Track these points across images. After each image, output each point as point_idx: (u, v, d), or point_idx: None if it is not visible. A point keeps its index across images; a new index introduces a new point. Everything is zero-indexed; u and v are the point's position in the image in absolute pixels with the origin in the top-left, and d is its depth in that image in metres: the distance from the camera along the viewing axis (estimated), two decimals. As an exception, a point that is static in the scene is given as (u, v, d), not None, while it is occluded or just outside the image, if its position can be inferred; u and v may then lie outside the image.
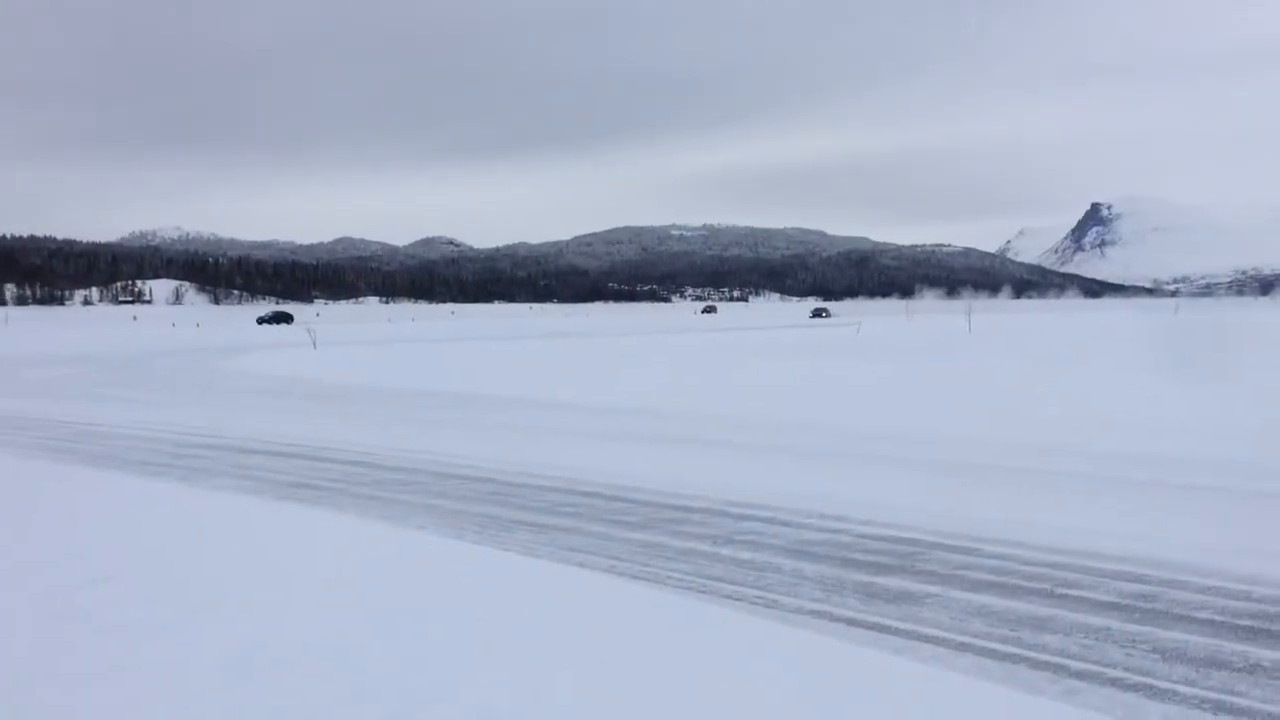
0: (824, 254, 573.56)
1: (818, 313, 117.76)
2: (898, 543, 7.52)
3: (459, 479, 10.50)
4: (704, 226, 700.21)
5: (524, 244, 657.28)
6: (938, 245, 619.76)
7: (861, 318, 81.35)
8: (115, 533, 7.65)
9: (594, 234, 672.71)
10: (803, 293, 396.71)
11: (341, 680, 4.52)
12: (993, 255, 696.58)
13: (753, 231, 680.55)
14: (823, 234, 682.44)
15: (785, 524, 8.16)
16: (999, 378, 23.02)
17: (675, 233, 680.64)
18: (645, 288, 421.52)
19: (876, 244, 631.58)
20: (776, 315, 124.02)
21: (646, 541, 7.63)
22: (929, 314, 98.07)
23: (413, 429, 15.00)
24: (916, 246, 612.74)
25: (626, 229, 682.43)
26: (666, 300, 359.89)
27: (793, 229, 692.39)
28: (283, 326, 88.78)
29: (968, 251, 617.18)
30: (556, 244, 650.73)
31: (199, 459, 12.20)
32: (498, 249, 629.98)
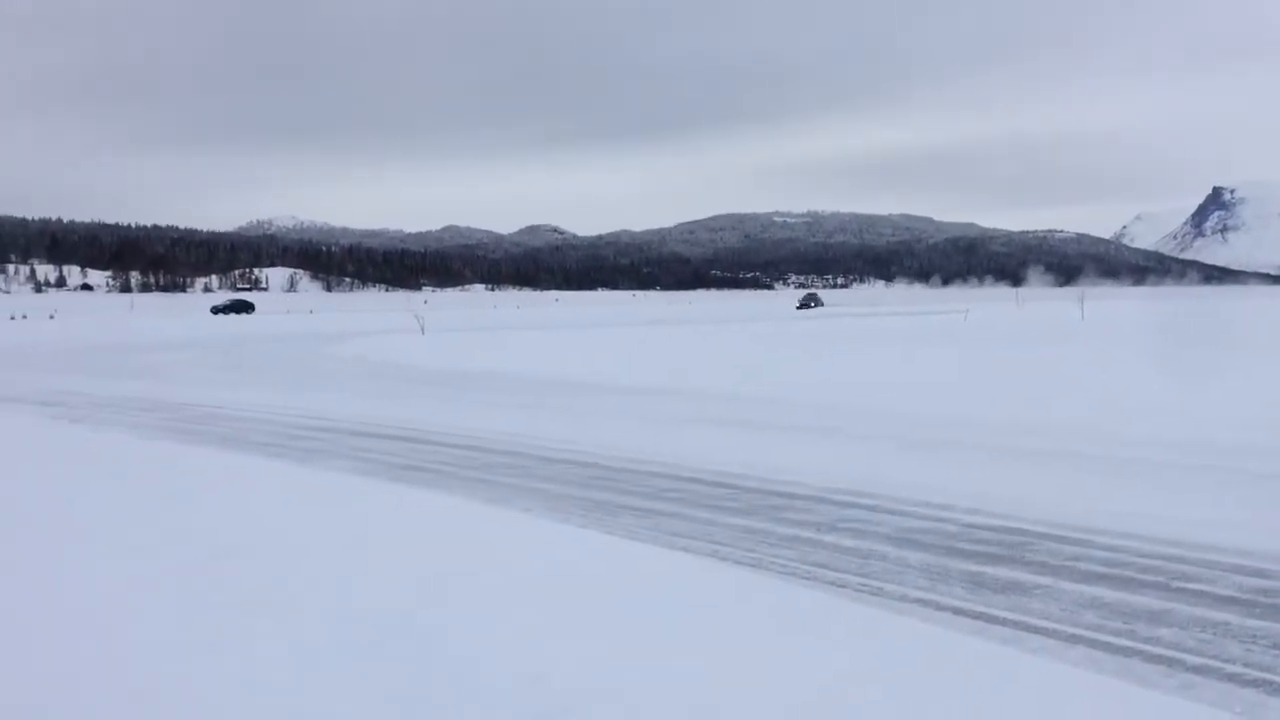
0: (931, 240, 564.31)
1: (806, 302, 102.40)
2: (1005, 533, 7.41)
3: (564, 464, 10.65)
4: (808, 213, 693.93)
5: (627, 231, 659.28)
6: (1049, 231, 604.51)
7: (969, 305, 79.76)
8: (241, 509, 7.99)
9: (696, 221, 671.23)
10: (909, 279, 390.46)
11: (457, 656, 4.66)
12: (1107, 241, 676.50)
13: (857, 218, 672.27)
14: (930, 220, 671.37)
15: (889, 512, 8.10)
16: (1109, 366, 22.40)
17: (778, 219, 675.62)
18: (748, 275, 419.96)
19: (985, 230, 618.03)
20: (882, 302, 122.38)
21: (750, 527, 7.66)
22: (1040, 301, 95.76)
23: (520, 414, 15.22)
24: (1027, 232, 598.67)
25: (729, 216, 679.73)
26: (769, 287, 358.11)
27: (899, 215, 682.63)
28: (244, 317, 78.79)
29: (1080, 237, 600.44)
30: (659, 231, 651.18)
31: (314, 441, 12.59)
32: (601, 237, 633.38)
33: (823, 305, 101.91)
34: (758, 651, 4.73)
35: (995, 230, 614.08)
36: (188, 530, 7.20)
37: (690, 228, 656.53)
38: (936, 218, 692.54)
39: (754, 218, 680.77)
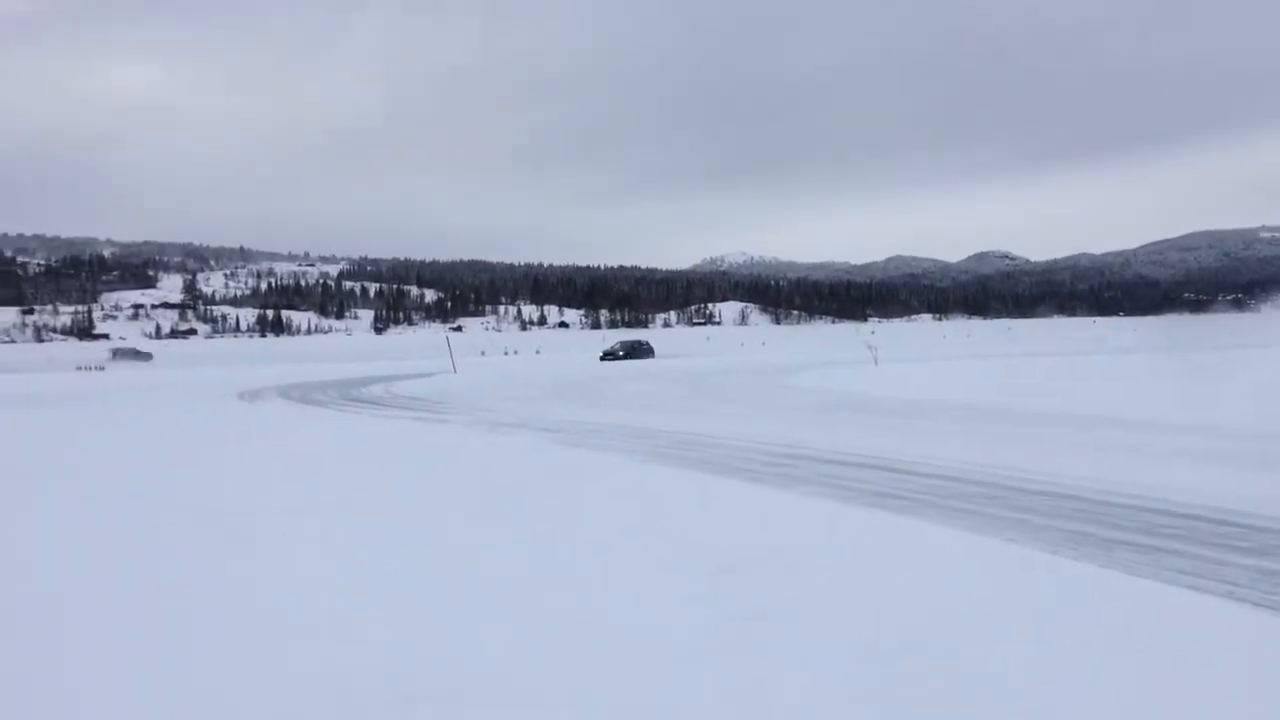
0: None
1: (615, 352, 75.66)
2: None
3: (1041, 495, 10.33)
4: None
5: (1085, 255, 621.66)
6: None
7: None
8: (739, 527, 8.60)
9: (1165, 241, 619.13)
10: None
11: (969, 673, 4.78)
12: None
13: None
14: None
15: None
16: None
17: (1265, 235, 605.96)
18: (1228, 297, 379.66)
19: None
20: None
21: (1268, 569, 7.05)
22: None
23: (981, 443, 14.91)
24: None
25: (1204, 234, 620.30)
26: (1253, 310, 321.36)
27: None
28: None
29: None
30: (1122, 253, 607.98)
31: (789, 467, 13.10)
32: (1056, 261, 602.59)
33: (651, 356, 75.94)
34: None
35: None
36: (693, 544, 7.87)
37: (1158, 248, 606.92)
38: None
39: (1235, 234, 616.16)
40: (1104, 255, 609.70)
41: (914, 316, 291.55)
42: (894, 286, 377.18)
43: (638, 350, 77.96)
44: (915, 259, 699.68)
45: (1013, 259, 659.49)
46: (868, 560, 7.26)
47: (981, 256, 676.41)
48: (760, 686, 4.77)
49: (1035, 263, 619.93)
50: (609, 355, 74.56)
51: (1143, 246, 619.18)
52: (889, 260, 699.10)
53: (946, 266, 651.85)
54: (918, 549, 7.69)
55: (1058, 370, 36.75)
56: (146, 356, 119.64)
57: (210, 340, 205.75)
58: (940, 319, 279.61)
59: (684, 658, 5.19)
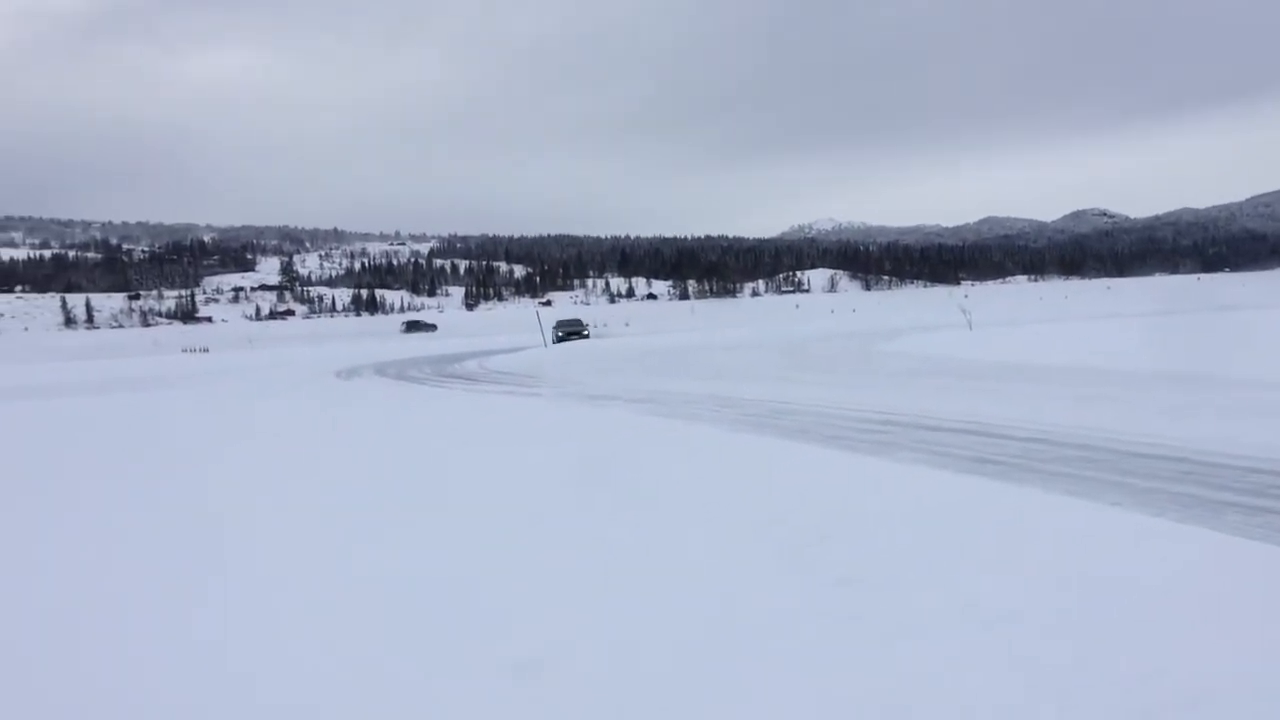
0: None
1: (575, 329, 68.82)
2: None
3: (1145, 458, 10.08)
4: None
5: (1188, 210, 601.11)
6: None
7: None
8: (827, 499, 8.58)
9: (1274, 192, 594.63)
10: None
11: (1065, 661, 4.72)
12: None
13: None
14: None
15: None
16: None
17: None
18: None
19: None
20: None
21: (1387, 530, 6.82)
22: None
23: (1086, 407, 14.55)
24: None
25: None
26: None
27: None
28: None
29: None
30: (1227, 207, 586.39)
31: (881, 434, 12.99)
32: (1157, 217, 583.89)
33: (586, 336, 68.58)
34: None
35: None
36: (784, 515, 7.87)
37: (1267, 200, 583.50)
38: None
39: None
40: (1208, 209, 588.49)
41: (1008, 278, 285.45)
42: (987, 248, 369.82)
43: (576, 329, 72.47)
44: (1009, 219, 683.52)
45: (1111, 216, 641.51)
46: (968, 527, 7.19)
47: (1078, 215, 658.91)
48: (869, 657, 4.78)
49: (1135, 219, 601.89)
50: (571, 334, 68.17)
51: (1250, 199, 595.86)
52: (982, 221, 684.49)
53: (1041, 226, 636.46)
54: (1018, 515, 7.58)
55: (1159, 329, 35.73)
56: (432, 328, 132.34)
57: (308, 320, 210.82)
58: (1036, 280, 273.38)
59: (789, 626, 5.21)
